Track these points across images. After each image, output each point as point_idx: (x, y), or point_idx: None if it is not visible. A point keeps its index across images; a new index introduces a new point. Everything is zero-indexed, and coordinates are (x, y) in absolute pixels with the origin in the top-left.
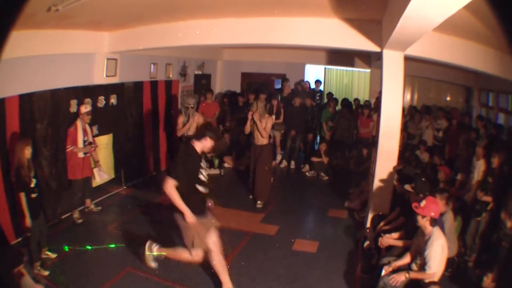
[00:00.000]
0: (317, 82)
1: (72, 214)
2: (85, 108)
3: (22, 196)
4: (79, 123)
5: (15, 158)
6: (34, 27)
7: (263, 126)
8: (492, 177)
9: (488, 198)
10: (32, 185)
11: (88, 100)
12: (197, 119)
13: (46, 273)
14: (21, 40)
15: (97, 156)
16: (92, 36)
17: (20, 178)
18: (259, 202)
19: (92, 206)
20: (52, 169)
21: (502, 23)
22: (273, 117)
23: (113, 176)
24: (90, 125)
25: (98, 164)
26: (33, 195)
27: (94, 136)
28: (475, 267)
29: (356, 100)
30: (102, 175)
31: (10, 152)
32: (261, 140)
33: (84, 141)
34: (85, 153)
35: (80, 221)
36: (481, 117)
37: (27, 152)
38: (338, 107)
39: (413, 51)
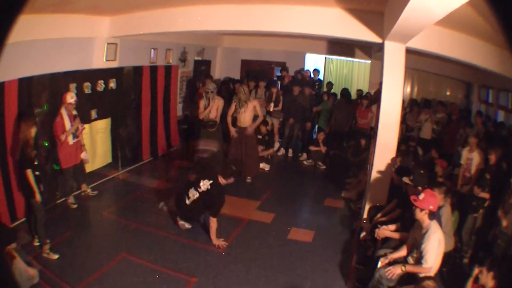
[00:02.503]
0: (315, 71)
1: (66, 200)
2: (71, 98)
3: (29, 172)
4: (63, 112)
5: (21, 136)
6: (33, 12)
7: (249, 109)
8: (489, 173)
9: (485, 195)
10: (36, 163)
11: (73, 88)
12: (217, 102)
13: (56, 256)
14: (21, 24)
15: (82, 139)
16: (92, 21)
17: (26, 156)
18: (249, 177)
19: (89, 191)
20: (48, 153)
21: (500, 19)
22: (272, 104)
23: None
24: (89, 109)
25: (83, 148)
26: (37, 173)
27: (93, 120)
28: (470, 263)
29: (359, 90)
30: (86, 160)
31: (14, 131)
32: (246, 122)
33: (75, 131)
34: (74, 138)
35: (75, 206)
36: (479, 113)
37: (33, 131)
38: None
39: (414, 43)
